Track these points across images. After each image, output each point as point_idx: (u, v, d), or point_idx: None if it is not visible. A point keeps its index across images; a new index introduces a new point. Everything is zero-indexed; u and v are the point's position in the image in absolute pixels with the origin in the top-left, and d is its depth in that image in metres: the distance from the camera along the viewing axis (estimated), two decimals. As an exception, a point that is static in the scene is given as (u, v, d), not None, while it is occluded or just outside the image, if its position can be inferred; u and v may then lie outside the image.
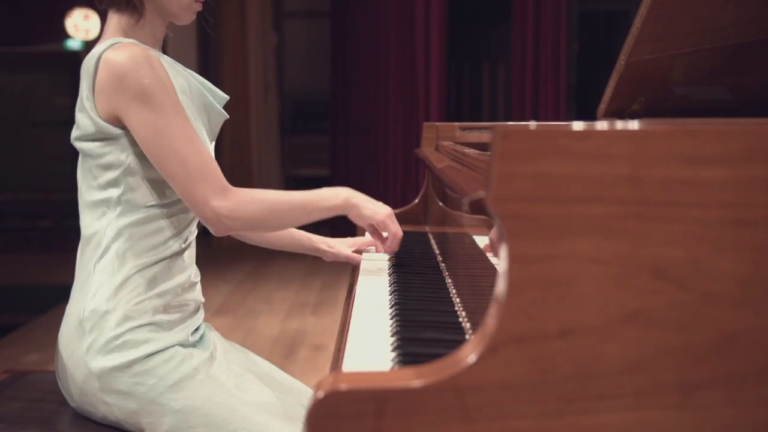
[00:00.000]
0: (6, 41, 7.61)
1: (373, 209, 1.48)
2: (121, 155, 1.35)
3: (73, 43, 7.81)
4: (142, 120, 1.30)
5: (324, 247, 1.68)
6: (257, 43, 6.98)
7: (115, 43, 1.33)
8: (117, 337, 1.32)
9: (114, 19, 1.39)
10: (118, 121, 1.33)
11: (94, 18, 7.43)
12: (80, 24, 7.52)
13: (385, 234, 1.56)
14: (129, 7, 1.37)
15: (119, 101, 1.30)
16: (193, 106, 1.42)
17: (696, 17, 1.42)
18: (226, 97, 1.52)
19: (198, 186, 1.31)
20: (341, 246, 1.69)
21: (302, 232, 1.65)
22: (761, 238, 0.72)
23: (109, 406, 1.33)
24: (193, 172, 1.31)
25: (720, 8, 1.41)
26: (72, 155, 1.39)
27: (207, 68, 6.96)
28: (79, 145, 1.38)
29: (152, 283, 1.36)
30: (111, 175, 1.35)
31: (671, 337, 0.72)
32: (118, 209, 1.36)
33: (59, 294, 1.87)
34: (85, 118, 1.35)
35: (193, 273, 1.46)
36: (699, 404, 0.73)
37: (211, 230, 1.36)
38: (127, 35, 1.38)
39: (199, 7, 1.43)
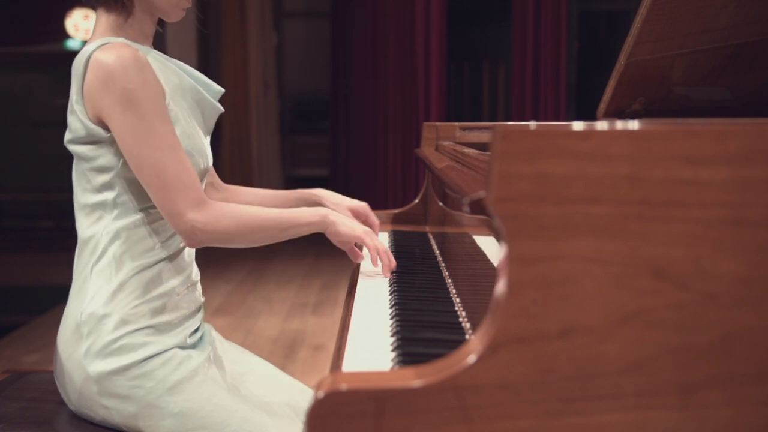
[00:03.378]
0: (6, 41, 7.61)
1: (351, 226, 1.47)
2: (113, 158, 1.33)
3: (73, 43, 7.81)
4: (124, 124, 1.28)
5: (328, 203, 1.65)
6: (257, 43, 6.98)
7: (105, 44, 1.31)
8: (114, 341, 1.31)
9: (103, 17, 1.38)
10: (105, 124, 1.31)
11: (94, 18, 7.42)
12: (80, 24, 7.53)
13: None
14: (117, 5, 1.36)
15: (104, 103, 1.29)
16: (185, 103, 1.41)
17: (696, 17, 1.42)
18: (221, 90, 1.51)
19: (174, 196, 1.30)
20: (343, 208, 1.66)
21: (302, 192, 1.63)
22: (761, 238, 0.72)
23: (108, 410, 1.32)
24: (170, 182, 1.30)
25: (720, 8, 1.41)
26: (71, 156, 1.39)
27: (207, 68, 6.95)
28: (71, 148, 1.36)
29: (150, 285, 1.36)
30: (104, 178, 1.34)
31: (671, 337, 0.72)
32: (114, 212, 1.35)
33: (59, 294, 1.87)
34: (76, 120, 1.33)
35: (193, 272, 1.46)
36: (699, 404, 0.73)
37: (185, 242, 1.36)
38: (116, 34, 1.37)
39: (188, 3, 1.42)
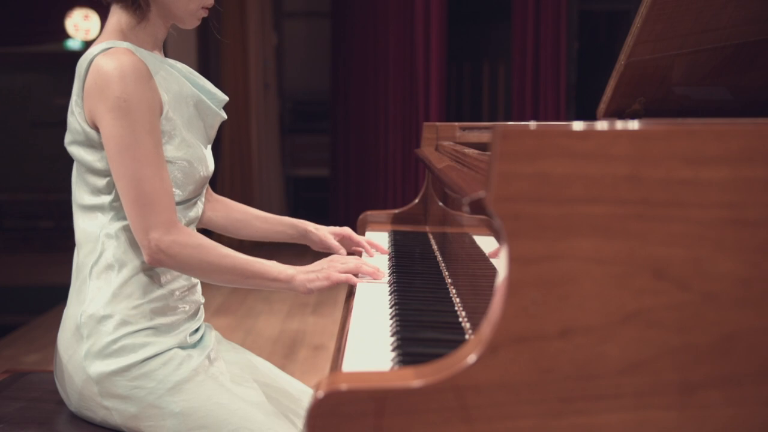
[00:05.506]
0: (6, 41, 7.61)
1: (317, 277, 1.37)
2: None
3: (73, 43, 7.81)
4: (111, 132, 1.28)
5: (311, 228, 1.65)
6: (257, 43, 6.97)
7: (110, 48, 1.31)
8: (114, 341, 1.31)
9: (116, 15, 1.37)
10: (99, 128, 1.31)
11: (94, 18, 7.44)
12: (80, 24, 7.53)
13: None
14: (134, 5, 1.35)
15: (98, 109, 1.28)
16: (185, 111, 1.40)
17: (696, 17, 1.42)
18: (225, 98, 1.50)
19: (145, 212, 1.28)
20: (326, 232, 1.65)
21: (290, 220, 1.64)
22: (761, 238, 0.72)
23: (108, 410, 1.32)
24: (143, 197, 1.28)
25: (720, 8, 1.41)
26: (71, 156, 1.38)
27: (207, 68, 6.96)
28: (71, 149, 1.36)
29: (150, 286, 1.35)
30: (102, 181, 1.34)
31: (671, 337, 0.72)
32: (111, 214, 1.35)
33: (59, 294, 1.87)
34: (75, 122, 1.34)
35: (193, 274, 1.45)
36: (699, 404, 0.73)
37: (146, 259, 1.32)
38: (125, 36, 1.36)
39: (205, 13, 1.42)
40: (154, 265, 1.34)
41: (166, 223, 1.30)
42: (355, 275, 1.42)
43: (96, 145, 1.33)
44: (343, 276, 1.40)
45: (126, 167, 1.28)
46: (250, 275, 1.36)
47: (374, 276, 1.44)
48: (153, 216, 1.29)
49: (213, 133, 1.49)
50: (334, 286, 1.40)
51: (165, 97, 1.35)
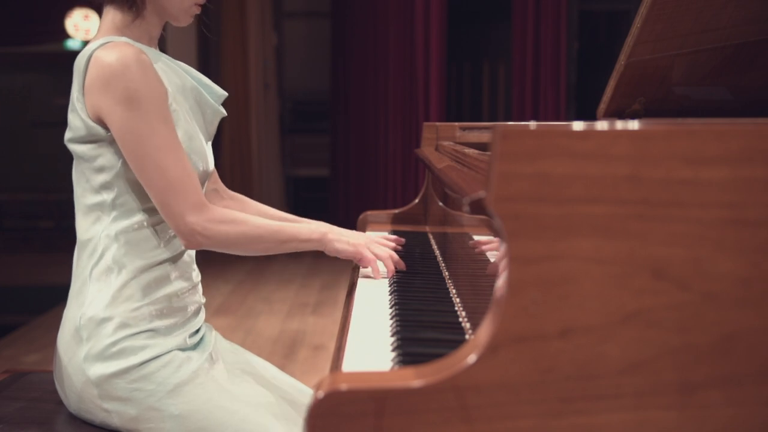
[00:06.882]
0: (6, 41, 7.61)
1: (349, 242, 1.47)
2: (113, 158, 1.32)
3: (73, 43, 7.81)
4: (125, 125, 1.27)
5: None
6: (257, 43, 6.98)
7: (108, 42, 1.30)
8: (114, 344, 1.31)
9: (110, 15, 1.37)
10: (105, 123, 1.30)
11: (94, 18, 7.44)
12: (80, 24, 7.54)
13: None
14: (128, 4, 1.35)
15: (104, 103, 1.27)
16: (186, 103, 1.40)
17: (696, 17, 1.42)
18: (225, 93, 1.49)
19: (175, 198, 1.29)
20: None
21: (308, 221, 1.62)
22: (761, 238, 0.72)
23: (108, 413, 1.32)
24: (171, 183, 1.28)
25: (720, 8, 1.41)
26: (71, 155, 1.38)
27: (207, 68, 6.95)
28: (71, 147, 1.35)
29: (150, 288, 1.35)
30: (104, 178, 1.33)
31: (671, 337, 0.72)
32: (113, 214, 1.34)
33: (59, 294, 1.87)
34: (76, 119, 1.32)
35: (193, 274, 1.45)
36: (699, 404, 0.73)
37: (183, 244, 1.34)
38: (121, 33, 1.35)
39: (197, 10, 1.41)
40: (193, 248, 1.37)
41: (197, 204, 1.31)
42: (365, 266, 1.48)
43: (100, 141, 1.32)
44: (371, 256, 1.48)
45: (148, 158, 1.28)
46: (284, 239, 1.41)
47: (389, 272, 1.50)
48: (184, 201, 1.30)
49: (213, 130, 1.48)
50: (355, 258, 1.48)
51: (168, 88, 1.34)
